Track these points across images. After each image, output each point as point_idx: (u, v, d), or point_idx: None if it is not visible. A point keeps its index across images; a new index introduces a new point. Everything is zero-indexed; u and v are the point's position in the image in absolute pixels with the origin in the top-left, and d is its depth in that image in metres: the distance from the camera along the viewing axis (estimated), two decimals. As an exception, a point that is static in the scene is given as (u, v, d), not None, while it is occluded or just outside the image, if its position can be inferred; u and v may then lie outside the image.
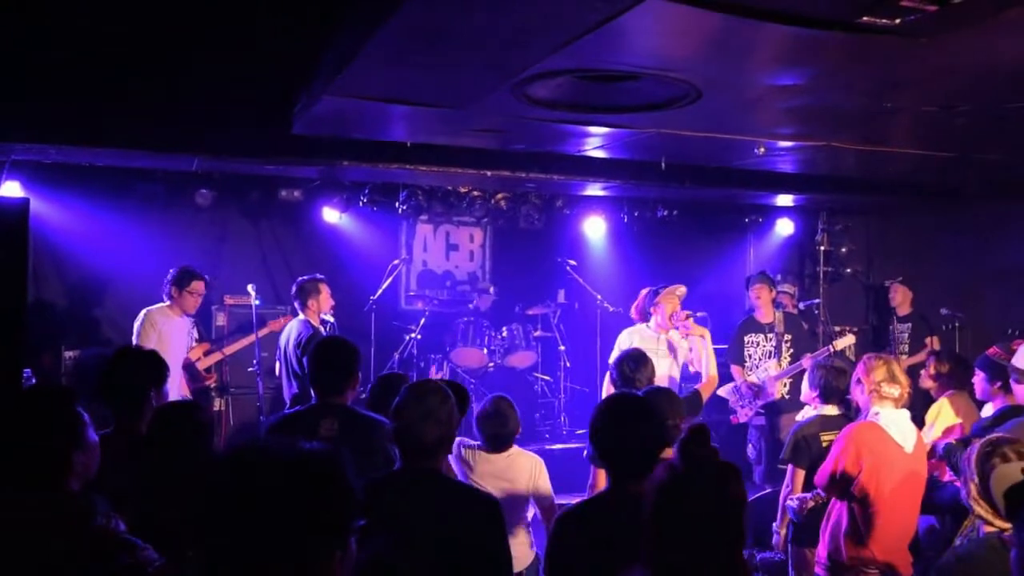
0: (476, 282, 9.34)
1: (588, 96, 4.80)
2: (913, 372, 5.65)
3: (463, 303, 8.96)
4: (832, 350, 6.46)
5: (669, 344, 5.89)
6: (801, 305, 8.59)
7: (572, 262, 8.88)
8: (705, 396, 5.43)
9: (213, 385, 7.02)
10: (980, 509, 2.72)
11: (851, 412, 4.42)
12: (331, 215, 8.13)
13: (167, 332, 6.05)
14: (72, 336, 7.33)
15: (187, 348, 6.36)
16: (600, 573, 2.77)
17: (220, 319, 7.61)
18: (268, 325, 6.87)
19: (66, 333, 7.34)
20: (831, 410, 4.47)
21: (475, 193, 8.43)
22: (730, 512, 2.04)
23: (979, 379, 4.84)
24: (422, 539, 2.61)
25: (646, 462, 2.87)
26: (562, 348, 8.67)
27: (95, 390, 3.56)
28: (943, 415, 5.14)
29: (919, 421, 4.65)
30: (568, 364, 8.72)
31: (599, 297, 8.62)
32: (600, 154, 6.85)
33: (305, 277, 6.35)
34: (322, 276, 6.40)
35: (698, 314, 7.17)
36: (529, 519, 4.26)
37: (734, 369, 6.96)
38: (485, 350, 8.27)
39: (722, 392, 6.62)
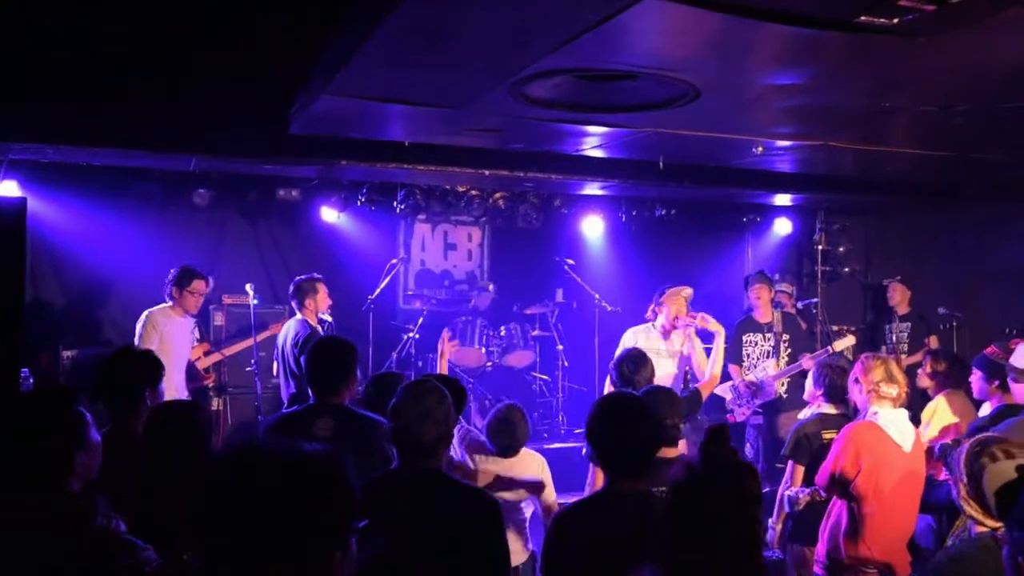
0: (474, 281, 9.34)
1: (586, 96, 4.80)
2: (913, 371, 5.66)
3: (461, 302, 8.96)
4: (831, 351, 6.46)
5: (672, 345, 5.88)
6: (799, 304, 8.59)
7: (570, 261, 8.88)
8: (705, 395, 5.43)
9: (211, 385, 7.03)
10: (970, 509, 2.72)
11: (851, 411, 4.43)
12: (329, 215, 8.13)
13: (169, 333, 6.02)
14: (70, 336, 7.32)
15: (190, 348, 6.35)
16: (597, 572, 2.77)
17: (218, 319, 7.60)
18: (270, 328, 6.86)
19: (64, 333, 7.33)
20: (833, 409, 4.49)
21: (473, 192, 8.42)
22: (748, 511, 2.08)
23: (976, 378, 4.84)
24: (421, 539, 2.61)
25: (642, 461, 2.88)
26: (560, 347, 8.67)
27: (91, 390, 3.55)
28: (939, 414, 5.15)
29: (916, 420, 4.66)
30: (566, 363, 8.72)
31: (597, 296, 8.62)
32: (598, 153, 6.85)
33: (303, 276, 6.34)
34: (320, 276, 6.39)
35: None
36: (527, 517, 4.27)
37: (732, 368, 6.96)
38: (483, 349, 8.27)
39: (720, 391, 6.62)
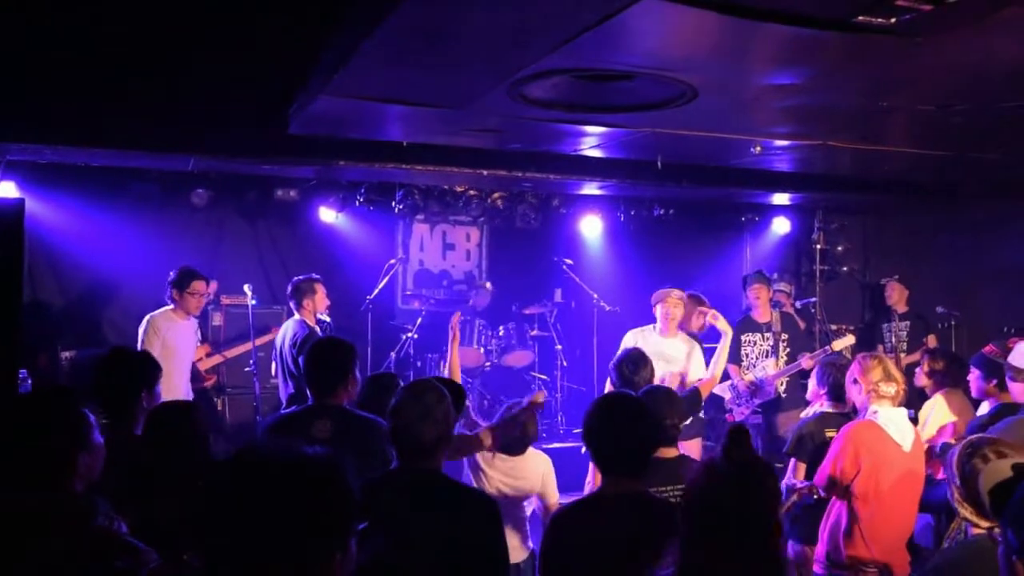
0: (473, 281, 9.35)
1: (585, 96, 4.80)
2: (911, 370, 5.67)
3: (460, 302, 8.95)
4: (829, 351, 6.46)
5: (670, 348, 5.88)
6: (798, 304, 8.59)
7: (568, 261, 8.89)
8: (705, 394, 5.44)
9: (210, 386, 7.02)
10: (965, 512, 2.72)
11: (851, 410, 4.44)
12: (327, 215, 8.13)
13: (172, 337, 5.96)
14: (69, 336, 7.32)
15: (195, 350, 6.32)
16: (594, 572, 2.78)
17: (216, 319, 7.60)
18: (272, 332, 6.84)
19: (63, 334, 7.32)
20: (836, 408, 4.51)
21: (471, 192, 8.43)
22: (769, 509, 2.16)
23: (974, 377, 4.85)
24: (421, 540, 2.62)
25: (639, 461, 2.89)
26: (559, 347, 8.67)
27: (89, 390, 3.55)
28: (937, 412, 5.15)
29: (914, 419, 4.67)
30: (565, 363, 8.72)
31: (596, 296, 8.62)
32: (596, 153, 6.85)
33: (301, 277, 6.32)
34: (318, 276, 6.37)
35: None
36: (528, 515, 4.29)
37: (731, 368, 6.96)
38: (482, 349, 8.28)
39: (719, 391, 6.63)
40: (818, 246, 9.01)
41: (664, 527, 2.81)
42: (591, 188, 8.24)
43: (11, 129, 5.53)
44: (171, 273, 6.14)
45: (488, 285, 8.88)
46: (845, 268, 9.59)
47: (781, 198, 8.84)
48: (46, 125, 5.59)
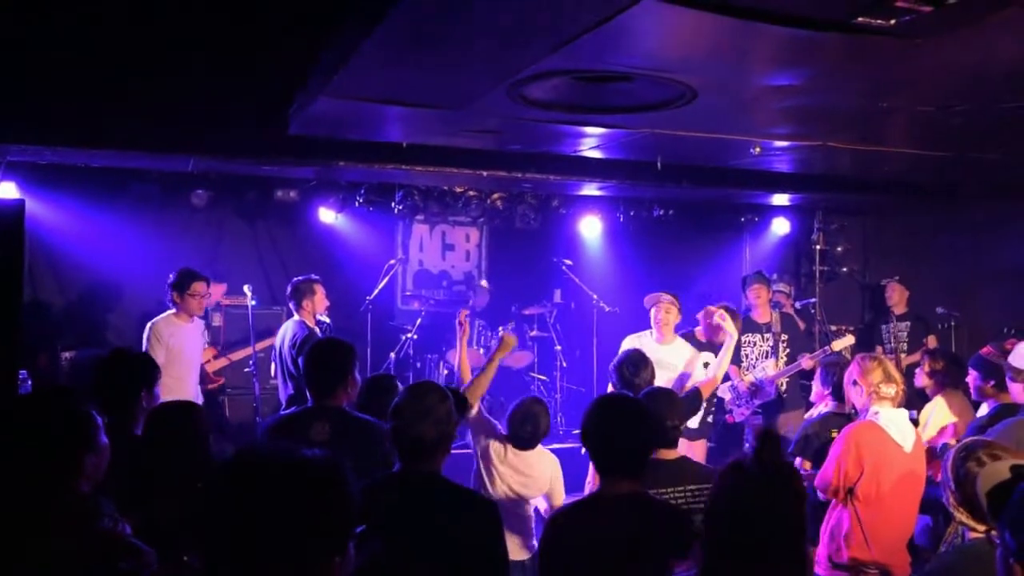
0: (472, 282, 9.35)
1: (584, 97, 4.80)
2: (911, 371, 5.66)
3: (459, 303, 8.95)
4: (829, 351, 6.46)
5: (668, 354, 5.87)
6: (797, 304, 8.59)
7: (568, 262, 8.89)
8: (705, 395, 5.44)
9: (215, 388, 7.02)
10: (961, 516, 2.71)
11: (853, 410, 4.44)
12: (327, 215, 8.13)
13: (176, 343, 5.86)
14: (69, 337, 7.32)
15: (202, 351, 6.28)
16: (593, 572, 2.78)
17: (216, 320, 7.59)
18: (275, 335, 6.82)
19: (63, 334, 7.33)
20: (840, 408, 4.54)
21: (471, 193, 8.43)
22: (796, 510, 2.22)
23: (972, 378, 4.84)
24: (420, 542, 2.61)
25: (637, 462, 2.89)
26: (558, 348, 8.68)
27: (89, 391, 3.55)
28: (938, 413, 5.15)
29: (915, 420, 4.67)
30: (564, 364, 8.73)
31: (595, 297, 8.63)
32: (596, 154, 6.85)
33: (300, 277, 6.31)
34: (317, 276, 6.36)
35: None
36: (532, 513, 4.30)
37: (731, 369, 6.96)
38: (481, 350, 8.27)
39: (720, 391, 6.62)
40: (818, 247, 9.00)
41: (662, 528, 2.81)
42: (591, 189, 8.25)
43: (11, 130, 5.53)
44: (171, 276, 6.03)
45: (485, 283, 8.88)
46: (845, 269, 9.59)
47: (781, 199, 8.84)
48: (46, 126, 5.59)
